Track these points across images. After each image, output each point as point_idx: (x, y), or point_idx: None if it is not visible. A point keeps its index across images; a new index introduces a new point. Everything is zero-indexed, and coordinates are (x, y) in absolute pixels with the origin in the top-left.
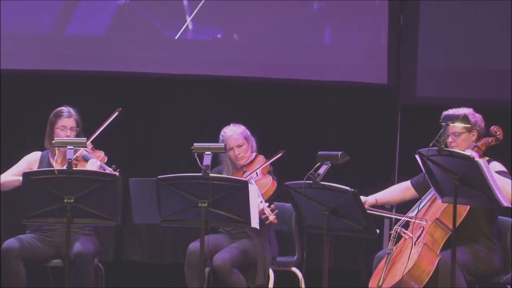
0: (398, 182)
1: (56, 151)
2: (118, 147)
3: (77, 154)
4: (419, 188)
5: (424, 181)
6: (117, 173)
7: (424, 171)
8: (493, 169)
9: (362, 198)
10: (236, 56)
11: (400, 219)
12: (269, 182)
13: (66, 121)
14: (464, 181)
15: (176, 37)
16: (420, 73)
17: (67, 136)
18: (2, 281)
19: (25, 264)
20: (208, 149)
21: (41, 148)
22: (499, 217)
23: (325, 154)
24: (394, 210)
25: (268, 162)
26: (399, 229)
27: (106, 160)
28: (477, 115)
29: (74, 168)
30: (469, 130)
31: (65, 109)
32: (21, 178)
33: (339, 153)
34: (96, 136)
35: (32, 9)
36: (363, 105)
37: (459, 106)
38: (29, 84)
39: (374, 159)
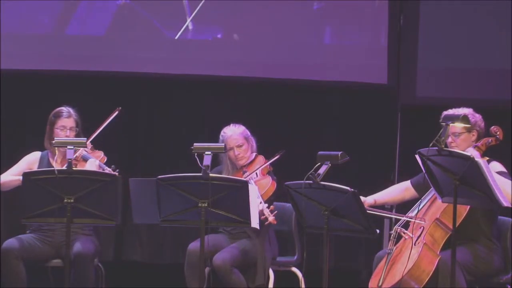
0: (398, 182)
1: (56, 151)
2: (118, 147)
3: (77, 154)
4: (419, 188)
5: (424, 181)
6: (116, 173)
7: (424, 171)
8: (493, 169)
9: (361, 198)
10: (236, 56)
11: (400, 219)
12: (269, 183)
13: (66, 121)
14: (464, 181)
15: (176, 37)
16: (420, 73)
17: (66, 136)
18: (2, 281)
19: (25, 264)
20: (208, 149)
21: (41, 148)
22: (499, 217)
23: (325, 154)
24: (394, 210)
25: (268, 163)
26: (399, 229)
27: (105, 160)
28: (477, 115)
29: (74, 168)
30: (469, 130)
31: (64, 109)
32: (21, 177)
33: (339, 153)
34: (96, 135)
35: (32, 9)
36: (363, 105)
37: (459, 106)
38: (29, 84)
39: (374, 159)
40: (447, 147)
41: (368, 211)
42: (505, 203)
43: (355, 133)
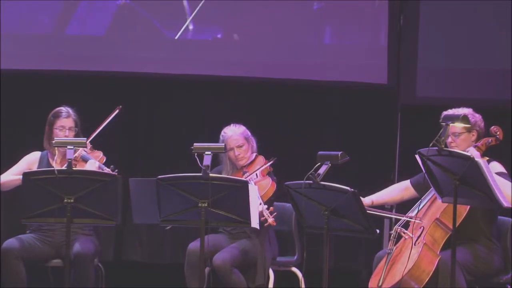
0: (398, 182)
1: (56, 151)
2: (118, 147)
3: (76, 154)
4: (419, 188)
5: (424, 181)
6: (115, 173)
7: (424, 171)
8: (492, 169)
9: None
10: (236, 56)
11: (400, 219)
12: (269, 184)
13: (65, 121)
14: (464, 181)
15: (176, 37)
16: (420, 73)
17: (65, 136)
18: (2, 281)
19: (25, 264)
20: (208, 149)
21: (40, 148)
22: (499, 217)
23: (325, 154)
24: (394, 210)
25: (268, 164)
26: (399, 229)
27: (104, 160)
28: (477, 115)
29: (74, 168)
30: (469, 130)
31: (63, 109)
32: (21, 177)
33: (339, 153)
34: (96, 135)
35: (32, 9)
36: (363, 105)
37: (459, 106)
38: (29, 84)
39: (374, 159)
40: (447, 147)
41: (368, 211)
42: (505, 204)
43: (355, 133)
